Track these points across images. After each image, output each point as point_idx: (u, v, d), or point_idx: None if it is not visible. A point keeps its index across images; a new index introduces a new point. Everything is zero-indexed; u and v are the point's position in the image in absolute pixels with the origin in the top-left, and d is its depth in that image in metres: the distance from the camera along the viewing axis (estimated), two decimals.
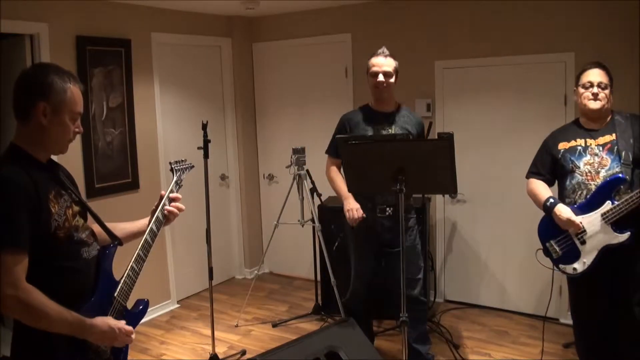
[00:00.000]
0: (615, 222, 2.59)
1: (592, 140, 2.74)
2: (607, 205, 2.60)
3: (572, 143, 2.80)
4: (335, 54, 4.98)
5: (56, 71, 1.71)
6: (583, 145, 2.76)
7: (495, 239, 4.43)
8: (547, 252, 2.88)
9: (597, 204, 2.64)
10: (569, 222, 2.68)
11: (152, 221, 1.97)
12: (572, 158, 2.77)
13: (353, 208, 3.21)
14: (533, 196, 2.93)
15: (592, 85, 2.70)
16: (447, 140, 2.36)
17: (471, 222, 4.53)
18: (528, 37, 4.07)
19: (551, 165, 2.88)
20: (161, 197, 2.03)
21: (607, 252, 2.63)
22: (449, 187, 2.50)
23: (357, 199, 3.25)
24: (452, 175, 2.41)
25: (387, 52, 3.23)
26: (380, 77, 3.18)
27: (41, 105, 1.66)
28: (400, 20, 4.59)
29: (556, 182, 2.95)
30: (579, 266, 2.72)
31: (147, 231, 1.95)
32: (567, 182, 2.80)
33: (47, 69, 1.73)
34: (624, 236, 2.58)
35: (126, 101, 4.27)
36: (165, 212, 2.01)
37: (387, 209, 3.21)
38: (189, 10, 4.75)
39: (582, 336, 2.90)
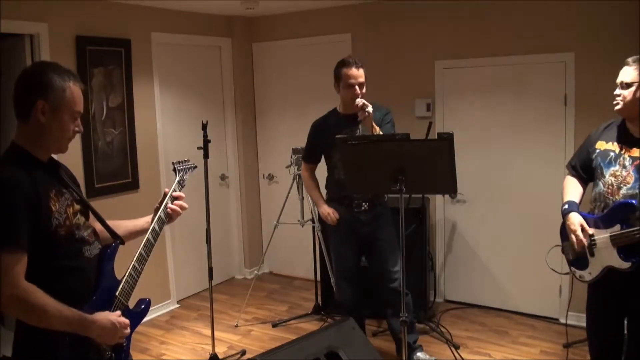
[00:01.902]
0: (623, 248, 2.40)
1: (628, 149, 2.46)
2: (617, 228, 2.42)
3: (608, 146, 2.54)
4: (335, 54, 4.94)
5: (55, 70, 1.71)
6: (617, 152, 2.50)
7: (495, 239, 4.43)
8: (564, 251, 2.74)
9: (609, 223, 2.46)
10: (574, 234, 2.53)
11: (155, 220, 1.97)
12: (602, 164, 2.54)
13: (328, 212, 3.43)
14: (562, 195, 2.73)
15: (618, 86, 2.48)
16: (447, 140, 2.36)
17: (471, 222, 4.53)
18: (528, 37, 4.06)
19: (588, 163, 2.65)
20: (164, 195, 2.04)
21: (615, 273, 2.46)
22: (449, 187, 2.49)
23: (332, 199, 3.48)
24: (452, 175, 2.41)
25: (359, 62, 3.30)
26: (357, 89, 3.25)
27: (40, 103, 1.66)
28: (400, 20, 4.58)
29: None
30: (585, 274, 2.61)
31: (150, 230, 1.95)
32: (594, 188, 2.62)
33: (47, 67, 1.74)
34: (626, 264, 2.39)
35: (126, 101, 4.27)
36: (169, 210, 2.01)
37: (363, 204, 3.35)
38: (189, 10, 4.75)
39: (593, 339, 2.78)
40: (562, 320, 4.09)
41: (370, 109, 3.13)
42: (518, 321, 4.25)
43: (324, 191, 3.60)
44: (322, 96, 5.08)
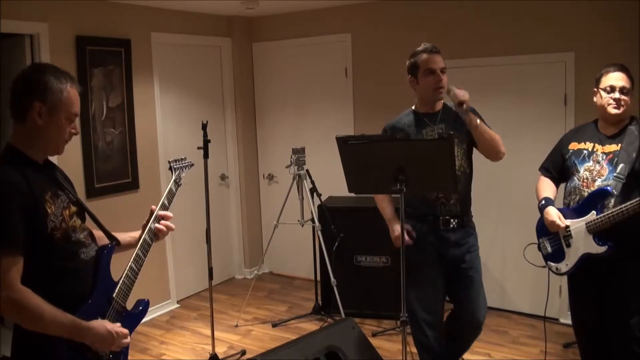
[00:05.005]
0: (598, 233, 2.60)
1: (600, 146, 2.69)
2: (592, 215, 2.62)
3: (581, 145, 2.77)
4: (335, 54, 4.98)
5: (53, 71, 1.70)
6: (590, 149, 2.72)
7: (495, 239, 4.42)
8: (539, 248, 2.96)
9: (584, 211, 2.65)
10: (552, 224, 2.72)
11: (151, 220, 1.96)
12: (576, 161, 2.75)
13: (399, 234, 2.66)
14: (536, 193, 2.96)
15: (613, 90, 2.61)
16: (447, 140, 2.37)
17: None
18: (528, 37, 4.06)
19: (561, 164, 2.87)
20: (151, 212, 1.98)
21: (590, 260, 2.65)
22: (449, 187, 2.50)
23: (409, 215, 2.76)
24: (452, 175, 2.41)
25: (436, 47, 2.85)
26: (441, 76, 2.83)
27: (37, 105, 1.65)
28: (400, 20, 4.58)
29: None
30: (561, 267, 2.79)
31: (146, 230, 1.93)
32: (568, 184, 2.82)
33: (44, 69, 1.73)
34: (602, 249, 2.59)
35: (126, 101, 4.27)
36: (154, 229, 1.95)
37: (452, 220, 2.81)
38: (189, 10, 4.75)
39: (577, 333, 2.95)
40: (562, 320, 4.09)
41: (466, 104, 2.65)
42: (518, 321, 4.25)
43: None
44: (322, 96, 5.10)
